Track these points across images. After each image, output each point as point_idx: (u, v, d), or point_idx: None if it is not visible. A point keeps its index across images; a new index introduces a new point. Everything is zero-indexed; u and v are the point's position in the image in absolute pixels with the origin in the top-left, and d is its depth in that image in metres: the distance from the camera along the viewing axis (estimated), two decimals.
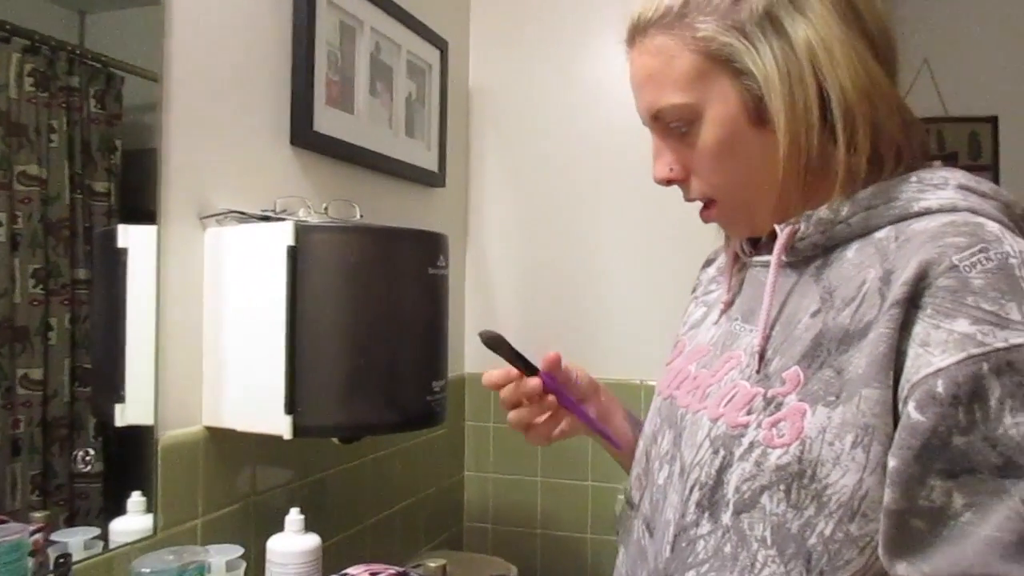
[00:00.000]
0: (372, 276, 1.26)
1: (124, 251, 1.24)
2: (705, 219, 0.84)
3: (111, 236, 1.24)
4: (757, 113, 0.74)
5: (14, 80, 1.10)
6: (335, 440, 1.35)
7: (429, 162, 2.03)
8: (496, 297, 2.32)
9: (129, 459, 1.26)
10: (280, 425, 1.23)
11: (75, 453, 1.18)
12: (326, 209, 1.37)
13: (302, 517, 1.29)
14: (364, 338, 1.25)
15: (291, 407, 1.23)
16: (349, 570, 1.15)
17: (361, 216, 1.42)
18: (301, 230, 1.24)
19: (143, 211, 1.27)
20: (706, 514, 0.75)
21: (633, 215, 2.18)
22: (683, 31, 0.75)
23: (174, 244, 1.29)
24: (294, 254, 1.23)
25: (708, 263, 1.01)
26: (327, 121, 1.60)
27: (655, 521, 0.82)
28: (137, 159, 1.27)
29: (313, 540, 1.28)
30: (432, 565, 1.22)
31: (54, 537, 1.14)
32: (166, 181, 1.28)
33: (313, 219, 1.32)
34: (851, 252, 0.74)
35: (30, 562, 1.08)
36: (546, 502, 2.25)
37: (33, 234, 1.13)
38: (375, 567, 1.17)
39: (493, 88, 2.33)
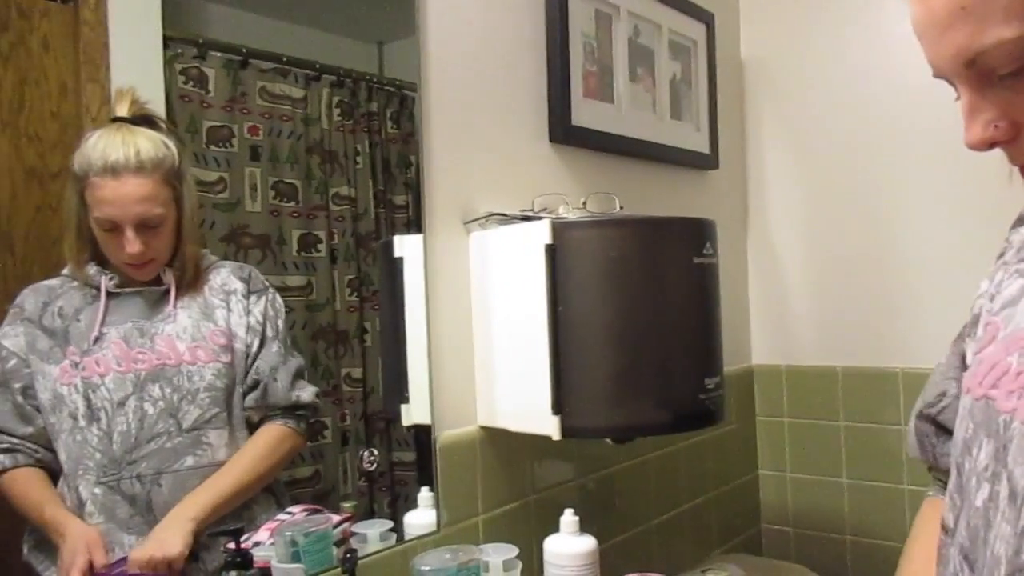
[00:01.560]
0: (632, 270, 1.20)
1: (400, 260, 1.31)
2: None
3: (389, 247, 1.32)
4: None
5: (324, 112, 1.23)
6: (608, 440, 1.32)
7: (699, 144, 1.92)
8: (784, 284, 2.14)
9: (422, 456, 1.33)
10: (548, 426, 1.22)
11: (361, 452, 1.27)
12: (584, 204, 1.33)
13: (576, 518, 1.26)
14: (628, 335, 1.20)
15: (558, 408, 1.21)
16: None
17: (621, 208, 1.37)
18: (558, 227, 1.21)
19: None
20: None
21: (939, 184, 1.88)
22: None
23: (440, 250, 1.34)
24: (552, 252, 1.21)
25: (1021, 221, 0.81)
26: (586, 114, 1.57)
27: (977, 554, 0.67)
28: None
29: (588, 543, 1.25)
30: None
31: (356, 528, 1.23)
32: (431, 191, 1.33)
33: (572, 215, 1.29)
34: None
35: (335, 550, 1.17)
36: (855, 505, 2.04)
37: (347, 248, 1.26)
38: None
39: (768, 59, 2.15)
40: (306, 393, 1.16)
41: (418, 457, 1.34)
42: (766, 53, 2.15)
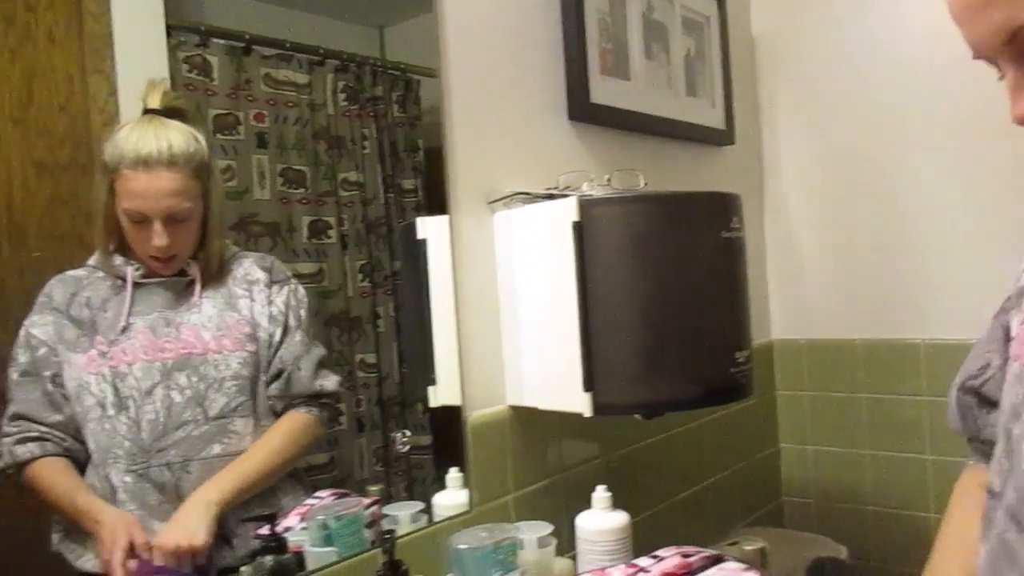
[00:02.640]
0: (661, 245, 1.20)
1: (423, 242, 1.31)
2: None
3: (411, 229, 1.31)
4: None
5: (330, 98, 1.22)
6: (637, 416, 1.32)
7: (715, 120, 1.92)
8: (802, 258, 2.14)
9: (449, 436, 1.33)
10: (580, 403, 1.22)
11: (393, 434, 1.27)
12: (609, 181, 1.33)
13: (609, 495, 1.27)
14: (658, 311, 1.20)
15: (589, 384, 1.21)
16: (660, 552, 1.11)
17: (645, 184, 1.36)
18: (585, 205, 1.21)
19: (443, 203, 1.33)
20: None
21: (954, 157, 1.87)
22: None
23: (466, 231, 1.34)
24: (579, 229, 1.21)
25: None
26: (603, 91, 1.57)
27: None
28: (437, 155, 1.33)
29: (622, 518, 1.26)
30: (748, 548, 1.13)
31: (386, 510, 1.23)
32: (454, 171, 1.32)
33: (597, 192, 1.29)
34: None
35: (366, 533, 1.18)
36: (877, 477, 2.04)
37: (357, 233, 1.25)
38: (688, 549, 1.12)
39: (780, 33, 2.13)
40: (329, 382, 1.16)
41: (435, 440, 1.34)
42: (776, 28, 2.14)
